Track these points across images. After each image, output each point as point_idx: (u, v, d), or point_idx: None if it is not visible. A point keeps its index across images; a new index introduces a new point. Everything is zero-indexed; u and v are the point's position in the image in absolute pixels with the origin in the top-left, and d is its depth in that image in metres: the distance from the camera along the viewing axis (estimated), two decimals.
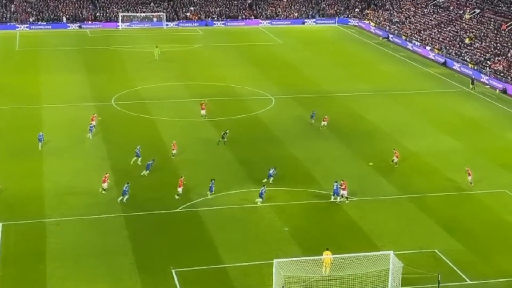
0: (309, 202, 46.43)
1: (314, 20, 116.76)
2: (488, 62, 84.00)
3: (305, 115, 65.57)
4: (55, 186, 48.22)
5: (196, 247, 40.18)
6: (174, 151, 54.06)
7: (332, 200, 46.21)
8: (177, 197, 46.23)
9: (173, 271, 37.71)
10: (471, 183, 48.87)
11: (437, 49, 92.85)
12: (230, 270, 37.64)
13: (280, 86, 75.48)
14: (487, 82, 79.74)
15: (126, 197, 45.68)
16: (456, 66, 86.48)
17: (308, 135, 59.93)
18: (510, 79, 77.79)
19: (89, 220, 43.47)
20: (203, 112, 63.53)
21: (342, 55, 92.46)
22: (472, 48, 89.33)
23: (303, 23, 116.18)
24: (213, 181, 46.89)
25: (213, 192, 46.58)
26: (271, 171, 49.13)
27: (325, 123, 60.82)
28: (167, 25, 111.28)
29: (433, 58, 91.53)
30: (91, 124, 58.73)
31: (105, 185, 46.99)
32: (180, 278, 37.01)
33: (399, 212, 45.60)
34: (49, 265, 37.93)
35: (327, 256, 36.51)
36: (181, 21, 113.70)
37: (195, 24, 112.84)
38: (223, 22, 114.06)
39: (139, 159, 52.44)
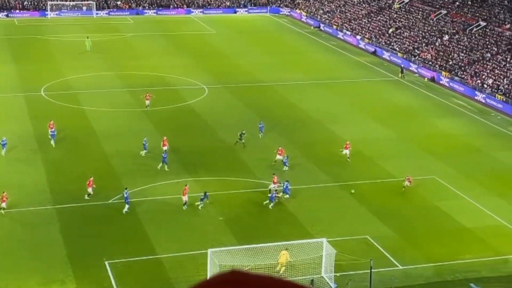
0: (244, 191, 46.58)
1: (246, 9, 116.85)
2: (416, 51, 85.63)
3: (239, 105, 65.67)
4: None
5: (130, 238, 39.89)
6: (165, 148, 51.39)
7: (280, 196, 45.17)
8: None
9: (106, 262, 37.36)
10: (404, 187, 47.45)
11: (367, 38, 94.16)
12: (164, 260, 37.52)
13: (213, 75, 75.34)
14: (416, 71, 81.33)
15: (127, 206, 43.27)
16: (386, 55, 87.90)
17: (240, 124, 59.93)
18: (438, 67, 79.51)
19: (19, 213, 42.64)
20: (147, 102, 62.72)
21: (274, 44, 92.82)
22: (401, 37, 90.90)
23: (235, 12, 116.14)
24: (206, 194, 44.19)
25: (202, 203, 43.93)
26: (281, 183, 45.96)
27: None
28: (97, 14, 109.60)
29: (363, 47, 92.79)
30: (51, 131, 53.89)
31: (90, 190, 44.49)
32: (114, 270, 36.71)
33: (332, 200, 46.18)
34: None
35: (283, 255, 36.59)
36: (111, 9, 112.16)
37: (126, 13, 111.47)
38: (154, 11, 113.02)
39: (145, 152, 51.65)
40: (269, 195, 44.55)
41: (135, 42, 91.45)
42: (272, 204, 44.05)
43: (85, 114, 61.42)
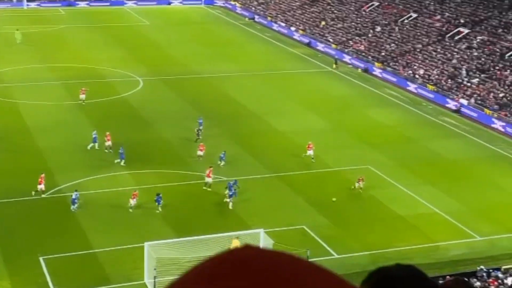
0: (180, 183, 46.39)
1: (180, 0, 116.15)
2: (350, 42, 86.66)
3: (174, 97, 65.31)
4: None
5: (64, 233, 39.32)
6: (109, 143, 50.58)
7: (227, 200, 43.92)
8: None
9: (40, 258, 36.76)
10: (353, 187, 46.52)
11: (302, 29, 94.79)
12: (100, 255, 37.15)
13: (148, 67, 74.70)
14: (349, 62, 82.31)
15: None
16: (320, 46, 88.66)
17: (176, 116, 59.66)
18: (371, 58, 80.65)
19: None
20: (82, 96, 61.34)
21: (209, 36, 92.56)
22: (334, 28, 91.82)
23: (169, 3, 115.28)
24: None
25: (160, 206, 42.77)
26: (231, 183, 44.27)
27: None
28: (28, 5, 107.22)
29: (298, 38, 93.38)
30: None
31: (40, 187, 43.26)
32: (48, 266, 36.15)
33: (269, 191, 46.43)
34: None
35: (235, 243, 36.59)
36: (42, 1, 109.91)
37: (58, 4, 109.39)
38: (87, 2, 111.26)
39: (96, 144, 50.79)
40: (229, 192, 43.98)
41: (68, 34, 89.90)
42: (230, 203, 43.44)
43: (18, 108, 60.15)
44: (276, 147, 53.65)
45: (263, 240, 36.90)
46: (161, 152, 51.53)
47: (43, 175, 44.03)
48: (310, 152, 50.49)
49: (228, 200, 43.72)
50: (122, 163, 48.45)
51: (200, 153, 50.38)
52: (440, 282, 2.71)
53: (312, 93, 69.26)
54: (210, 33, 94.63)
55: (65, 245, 38.05)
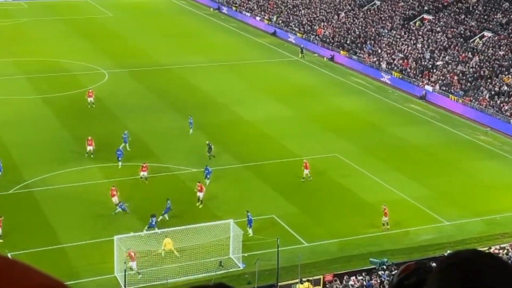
0: (148, 176, 46.10)
1: None
2: (315, 30, 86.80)
3: (140, 88, 64.91)
4: None
5: (32, 229, 38.93)
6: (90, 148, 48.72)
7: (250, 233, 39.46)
8: None
9: (9, 254, 36.33)
10: (384, 224, 41.07)
11: (267, 19, 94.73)
12: (69, 250, 36.90)
13: (112, 60, 74.11)
14: (315, 51, 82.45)
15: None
16: (286, 35, 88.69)
17: (143, 108, 59.37)
18: (335, 46, 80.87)
19: None
20: (90, 99, 59.24)
21: (174, 26, 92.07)
22: (298, 15, 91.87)
23: None
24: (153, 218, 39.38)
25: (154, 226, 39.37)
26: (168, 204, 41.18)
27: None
28: None
29: (263, 28, 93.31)
30: None
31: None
32: None
33: (237, 181, 46.45)
34: None
35: (168, 243, 36.38)
36: None
37: None
38: None
39: (127, 145, 49.59)
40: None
41: (30, 28, 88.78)
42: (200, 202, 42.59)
43: None
44: (243, 137, 53.64)
45: (233, 230, 36.92)
46: (128, 145, 51.09)
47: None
48: (306, 172, 46.46)
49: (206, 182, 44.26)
50: (121, 165, 47.07)
51: (89, 148, 48.64)
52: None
53: (278, 82, 69.32)
54: (174, 24, 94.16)
55: (33, 240, 37.68)
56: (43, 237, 38.04)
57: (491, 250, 35.79)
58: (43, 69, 69.57)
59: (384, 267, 34.75)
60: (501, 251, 36.82)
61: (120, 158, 47.13)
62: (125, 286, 33.61)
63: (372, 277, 33.85)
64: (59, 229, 38.94)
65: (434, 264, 2.64)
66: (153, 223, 38.74)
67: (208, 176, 45.16)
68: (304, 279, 34.26)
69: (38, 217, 40.31)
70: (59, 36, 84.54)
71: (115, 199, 41.14)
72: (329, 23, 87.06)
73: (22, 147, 50.03)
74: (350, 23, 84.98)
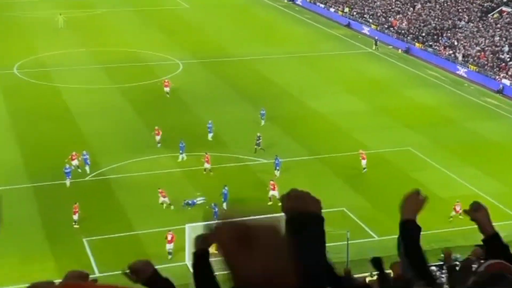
0: (220, 166, 46.60)
1: None
2: (390, 22, 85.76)
3: (214, 80, 65.48)
4: None
5: (107, 216, 39.86)
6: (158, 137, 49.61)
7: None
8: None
9: (84, 240, 37.36)
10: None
11: (341, 10, 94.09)
12: (142, 237, 37.60)
13: (187, 51, 74.93)
14: (389, 43, 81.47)
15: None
16: (360, 27, 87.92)
17: (216, 99, 59.90)
18: (411, 38, 79.75)
19: None
20: (166, 89, 60.43)
21: (249, 17, 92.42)
22: (373, 7, 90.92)
23: None
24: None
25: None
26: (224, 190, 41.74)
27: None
28: None
29: (337, 19, 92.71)
30: (69, 166, 44.37)
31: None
32: (92, 247, 36.75)
33: (309, 173, 46.41)
34: None
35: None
36: None
37: None
38: None
39: (210, 135, 50.21)
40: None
41: (108, 18, 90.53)
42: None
43: (60, 92, 60.92)
44: (315, 129, 53.54)
45: None
46: (201, 134, 51.69)
47: (74, 153, 44.35)
48: (363, 162, 46.83)
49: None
50: (181, 158, 47.28)
51: (158, 138, 49.20)
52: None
53: (351, 74, 68.84)
54: (249, 15, 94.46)
55: (108, 226, 38.60)
56: (117, 224, 38.91)
57: None
58: (119, 59, 70.90)
59: (457, 262, 34.20)
60: None
61: (182, 151, 47.48)
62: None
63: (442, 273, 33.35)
64: (133, 216, 39.74)
65: None
66: (215, 212, 39.27)
67: (277, 167, 45.30)
68: (374, 273, 34.02)
69: (113, 204, 41.24)
70: (136, 26, 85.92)
71: (165, 200, 40.87)
72: (405, 15, 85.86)
73: (98, 136, 51.20)
74: (426, 15, 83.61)
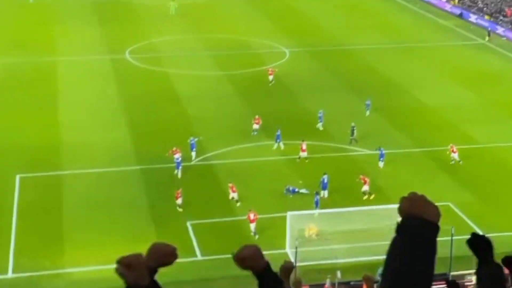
0: (324, 155, 46.47)
1: None
2: (504, 12, 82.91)
3: (320, 69, 65.23)
4: (72, 139, 48.52)
5: (211, 200, 40.48)
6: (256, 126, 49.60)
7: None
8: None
9: (188, 223, 38.10)
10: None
11: (453, 0, 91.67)
12: (244, 223, 37.96)
13: (295, 39, 74.91)
14: (503, 34, 78.82)
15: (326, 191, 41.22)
16: (472, 17, 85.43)
17: (321, 88, 59.66)
18: None
19: (105, 173, 43.85)
20: (271, 77, 60.63)
21: (357, 6, 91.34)
22: None
23: None
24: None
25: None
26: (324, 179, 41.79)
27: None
28: None
29: (449, 9, 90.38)
30: (179, 156, 44.46)
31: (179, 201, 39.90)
32: (195, 231, 37.44)
33: (414, 165, 45.66)
34: (65, 217, 38.44)
35: (312, 228, 36.82)
36: None
37: None
38: None
39: (321, 124, 50.59)
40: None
41: (219, 5, 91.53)
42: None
43: (169, 77, 62.26)
44: (422, 121, 52.52)
45: None
46: (305, 123, 51.65)
47: (174, 148, 44.45)
48: (454, 156, 45.81)
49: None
50: (276, 146, 47.31)
51: (255, 126, 49.29)
52: None
53: (462, 66, 67.02)
54: (358, 3, 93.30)
55: (211, 211, 39.23)
56: (221, 209, 39.48)
57: None
58: (228, 46, 71.68)
59: None
60: None
61: (278, 139, 47.35)
62: (295, 262, 34.16)
63: None
64: (235, 202, 40.16)
65: None
66: (317, 201, 39.22)
67: (381, 158, 44.78)
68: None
69: (217, 189, 41.82)
70: (246, 14, 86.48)
71: (234, 195, 40.31)
72: None
73: (204, 121, 52.02)
74: None
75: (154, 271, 3.53)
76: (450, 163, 45.55)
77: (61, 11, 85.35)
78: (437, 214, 3.45)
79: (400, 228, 3.33)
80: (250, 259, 3.88)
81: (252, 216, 37.07)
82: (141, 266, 3.46)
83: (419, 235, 3.31)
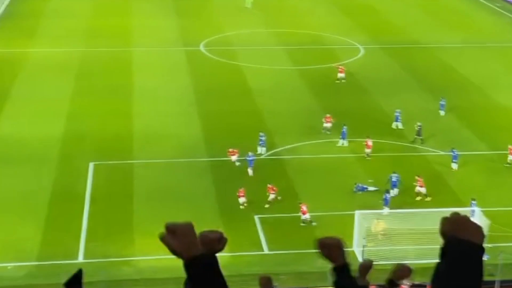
0: (395, 154, 45.90)
1: None
2: None
3: (394, 66, 64.38)
4: (144, 128, 49.29)
5: (279, 195, 40.42)
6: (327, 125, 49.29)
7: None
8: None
9: (255, 217, 38.22)
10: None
11: None
12: (312, 219, 37.85)
13: (369, 35, 74.10)
14: None
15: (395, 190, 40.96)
16: None
17: (394, 86, 58.89)
18: None
19: (176, 163, 44.39)
20: (341, 75, 59.95)
21: (433, 3, 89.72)
22: None
23: None
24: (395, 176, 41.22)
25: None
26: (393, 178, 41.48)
27: None
28: None
29: None
30: (252, 154, 44.20)
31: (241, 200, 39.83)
32: (263, 225, 37.54)
33: (487, 168, 44.67)
34: (136, 205, 39.11)
35: (378, 224, 36.51)
36: None
37: None
38: None
39: (399, 123, 49.91)
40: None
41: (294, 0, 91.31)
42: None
43: (242, 70, 62.50)
44: (498, 123, 51.28)
45: (478, 219, 35.62)
46: (378, 121, 51.08)
47: (231, 149, 44.04)
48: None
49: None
50: (341, 143, 47.04)
51: (327, 125, 48.69)
52: None
53: None
54: (437, 0, 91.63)
55: (279, 206, 39.23)
56: (289, 204, 39.41)
57: None
58: (302, 41, 71.46)
59: None
60: None
61: (343, 137, 46.92)
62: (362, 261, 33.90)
63: None
64: (304, 197, 40.01)
65: None
66: (387, 199, 38.79)
67: (455, 160, 43.95)
68: None
69: (285, 184, 41.78)
70: (321, 8, 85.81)
71: (273, 196, 39.78)
72: None
73: (275, 115, 52.03)
74: None
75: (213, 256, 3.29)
76: (505, 164, 44.49)
77: (139, 2, 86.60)
78: (481, 235, 3.17)
79: (444, 252, 3.14)
80: (333, 248, 3.88)
81: (304, 207, 37.58)
82: (189, 234, 3.27)
83: (464, 259, 3.11)
